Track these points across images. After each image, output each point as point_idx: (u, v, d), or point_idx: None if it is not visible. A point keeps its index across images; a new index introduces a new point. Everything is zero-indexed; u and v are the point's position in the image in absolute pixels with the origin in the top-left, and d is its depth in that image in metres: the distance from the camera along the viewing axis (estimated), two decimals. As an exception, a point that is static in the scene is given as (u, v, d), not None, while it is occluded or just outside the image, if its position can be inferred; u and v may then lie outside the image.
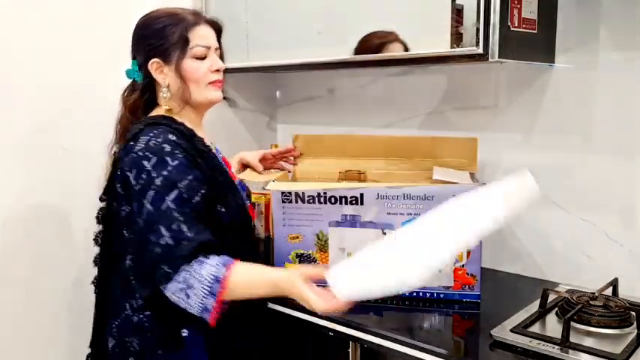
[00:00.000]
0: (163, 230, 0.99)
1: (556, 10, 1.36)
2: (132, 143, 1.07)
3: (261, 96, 2.00)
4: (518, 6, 1.22)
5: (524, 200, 0.97)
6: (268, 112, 2.03)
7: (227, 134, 1.78)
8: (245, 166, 1.51)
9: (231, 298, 0.99)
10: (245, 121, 1.95)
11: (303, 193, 1.33)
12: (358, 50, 1.42)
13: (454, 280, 1.30)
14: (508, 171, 1.48)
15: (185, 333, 1.10)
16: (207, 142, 1.18)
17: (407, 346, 1.12)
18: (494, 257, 1.52)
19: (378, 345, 1.16)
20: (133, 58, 1.17)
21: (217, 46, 1.19)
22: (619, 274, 1.28)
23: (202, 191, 1.06)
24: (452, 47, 1.24)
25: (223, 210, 1.11)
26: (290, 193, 1.33)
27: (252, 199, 1.44)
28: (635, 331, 1.11)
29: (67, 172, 1.47)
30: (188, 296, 0.97)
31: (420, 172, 1.46)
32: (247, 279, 1.02)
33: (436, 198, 1.27)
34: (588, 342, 1.06)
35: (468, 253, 1.28)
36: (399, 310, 1.28)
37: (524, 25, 1.25)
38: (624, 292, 1.26)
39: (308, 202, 1.33)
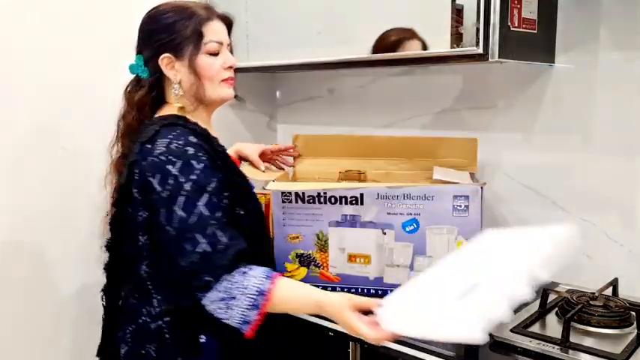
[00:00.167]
0: (199, 237, 0.95)
1: (556, 10, 1.36)
2: (149, 146, 1.02)
3: (261, 96, 2.00)
4: (518, 6, 1.22)
5: (566, 256, 0.95)
6: (268, 112, 2.03)
7: (227, 134, 1.76)
8: (241, 158, 1.48)
9: (273, 311, 0.96)
10: (245, 121, 1.95)
11: (303, 193, 1.33)
12: (375, 48, 1.38)
13: (454, 280, 1.30)
14: (508, 171, 1.50)
15: (203, 339, 1.07)
16: (221, 141, 1.13)
17: (407, 346, 1.12)
18: (494, 257, 1.52)
19: (378, 345, 1.15)
20: (138, 52, 1.12)
21: (229, 41, 1.15)
22: (619, 274, 1.28)
23: (226, 194, 1.03)
24: (452, 47, 1.24)
25: (242, 213, 1.08)
26: (290, 193, 1.33)
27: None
28: (635, 331, 1.11)
29: (67, 172, 1.47)
30: (229, 307, 0.94)
31: (420, 172, 1.46)
32: (291, 295, 0.99)
33: (436, 198, 1.27)
34: (588, 342, 1.06)
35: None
36: (399, 310, 1.28)
37: (524, 25, 1.25)
38: (624, 292, 1.26)
39: (308, 202, 1.33)
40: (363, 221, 1.31)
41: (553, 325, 1.15)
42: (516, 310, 1.19)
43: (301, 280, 1.32)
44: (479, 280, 0.90)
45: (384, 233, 1.31)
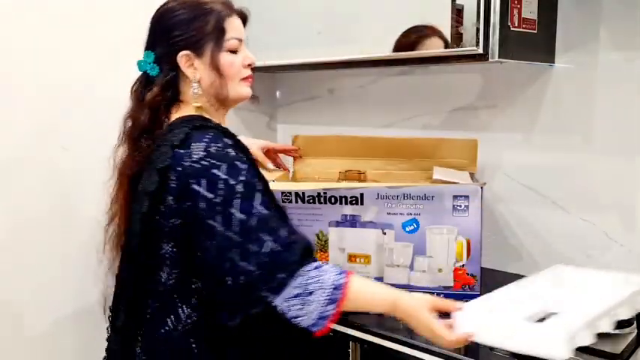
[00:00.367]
0: (264, 236, 0.92)
1: (556, 10, 1.36)
2: (182, 151, 0.97)
3: (261, 96, 2.00)
4: (518, 6, 1.22)
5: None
6: (268, 112, 2.03)
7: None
8: None
9: (346, 308, 0.94)
10: (245, 121, 1.95)
11: (303, 193, 1.33)
12: (397, 47, 1.36)
13: (454, 280, 1.30)
14: (508, 171, 1.50)
15: (229, 353, 1.03)
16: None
17: (407, 346, 1.12)
18: (495, 257, 1.52)
19: (378, 345, 1.15)
20: (148, 49, 1.08)
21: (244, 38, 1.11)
22: (619, 274, 1.28)
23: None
24: (452, 47, 1.24)
25: None
26: (290, 193, 1.33)
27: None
28: (635, 331, 1.10)
29: (67, 172, 1.47)
30: (305, 304, 0.91)
31: (420, 172, 1.46)
32: (365, 291, 0.97)
33: (436, 198, 1.28)
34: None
35: (468, 253, 1.29)
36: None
37: (524, 25, 1.25)
38: (624, 292, 1.26)
39: (308, 202, 1.33)
40: (363, 221, 1.31)
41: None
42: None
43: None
44: (561, 309, 0.94)
45: (384, 233, 1.31)
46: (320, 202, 1.33)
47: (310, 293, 0.91)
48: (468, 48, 1.21)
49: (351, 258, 1.34)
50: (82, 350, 1.52)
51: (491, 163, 1.50)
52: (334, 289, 0.92)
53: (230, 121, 1.88)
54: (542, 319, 0.94)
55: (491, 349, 1.06)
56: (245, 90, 1.12)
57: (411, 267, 1.31)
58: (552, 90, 1.41)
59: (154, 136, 1.06)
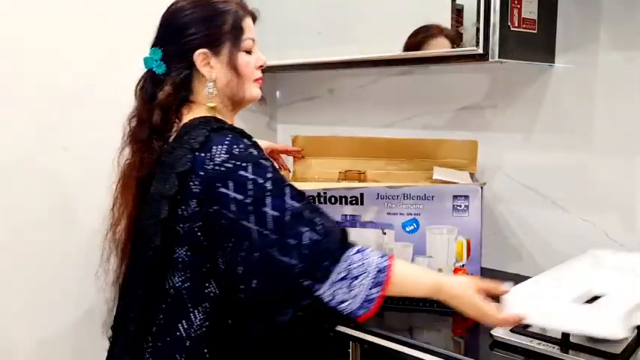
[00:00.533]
0: (301, 229, 0.92)
1: (556, 10, 1.36)
2: (203, 154, 0.95)
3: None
4: (518, 6, 1.22)
5: None
6: (268, 112, 2.03)
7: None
8: None
9: (391, 292, 0.94)
10: (245, 121, 1.93)
11: (303, 193, 1.33)
12: (406, 47, 1.36)
13: (454, 280, 1.30)
14: (508, 171, 1.50)
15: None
16: None
17: (407, 346, 1.12)
18: (494, 257, 1.52)
19: (378, 345, 1.15)
20: (156, 46, 1.06)
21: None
22: (619, 274, 1.28)
23: None
24: (452, 47, 1.24)
25: None
26: (290, 193, 1.33)
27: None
28: (635, 331, 1.10)
29: (67, 172, 1.47)
30: (351, 288, 0.92)
31: (420, 172, 1.46)
32: (408, 273, 0.98)
33: (436, 198, 1.27)
34: (588, 342, 1.06)
35: (468, 253, 1.29)
36: (399, 310, 1.28)
37: (524, 25, 1.25)
38: (624, 292, 1.26)
39: (308, 202, 1.33)
40: (363, 221, 1.31)
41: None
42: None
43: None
44: (606, 290, 0.98)
45: (384, 233, 1.31)
46: (320, 202, 1.33)
47: (355, 277, 0.92)
48: (468, 48, 1.21)
49: (351, 258, 1.34)
50: (83, 351, 1.52)
51: (491, 163, 1.50)
52: (378, 272, 0.93)
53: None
54: (590, 301, 0.97)
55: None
56: (257, 91, 1.12)
57: (411, 267, 1.31)
58: (552, 90, 1.41)
59: (165, 137, 1.04)
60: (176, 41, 1.04)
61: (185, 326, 0.98)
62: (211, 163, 0.94)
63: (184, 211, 0.97)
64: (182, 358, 0.99)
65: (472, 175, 1.40)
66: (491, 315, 0.93)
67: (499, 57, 1.19)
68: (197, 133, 0.98)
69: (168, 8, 1.07)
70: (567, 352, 1.01)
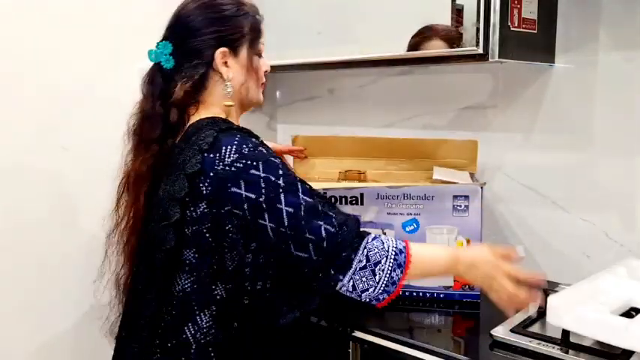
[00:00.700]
0: (317, 222, 0.93)
1: (556, 10, 1.36)
2: (212, 155, 0.95)
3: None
4: (518, 6, 1.22)
5: None
6: (268, 112, 2.03)
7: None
8: None
9: (412, 274, 0.96)
10: (245, 121, 1.93)
11: (303, 193, 1.32)
12: (409, 47, 1.36)
13: (454, 280, 1.30)
14: (508, 171, 1.50)
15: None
16: None
17: (407, 346, 1.12)
18: (495, 257, 1.52)
19: (378, 345, 1.15)
20: (167, 40, 1.04)
21: None
22: (619, 274, 1.28)
23: None
24: (452, 47, 1.24)
25: None
26: (290, 193, 1.33)
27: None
28: (636, 331, 1.11)
29: (67, 172, 1.47)
30: (375, 273, 0.93)
31: (420, 172, 1.46)
32: (425, 251, 1.00)
33: (436, 198, 1.27)
34: (588, 342, 1.06)
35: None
36: (399, 310, 1.28)
37: (524, 25, 1.25)
38: (624, 292, 1.26)
39: (308, 202, 1.33)
40: (363, 221, 1.31)
41: (553, 325, 1.15)
42: (517, 310, 1.19)
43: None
44: None
45: (384, 233, 1.31)
46: (320, 202, 1.32)
47: (378, 263, 0.93)
48: (468, 48, 1.21)
49: (351, 258, 1.34)
50: (83, 351, 1.53)
51: (491, 163, 1.50)
52: (397, 253, 0.95)
53: (230, 121, 1.89)
54: (627, 314, 1.00)
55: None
56: (261, 96, 1.13)
57: (411, 267, 1.31)
58: (552, 90, 1.41)
59: (175, 136, 1.04)
60: (193, 38, 1.03)
61: (192, 329, 0.98)
62: (221, 163, 0.94)
63: (193, 213, 0.96)
64: None
65: (472, 175, 1.40)
66: (511, 274, 0.95)
67: (499, 57, 1.19)
68: (205, 133, 0.97)
69: (186, 4, 1.06)
70: (567, 352, 1.01)
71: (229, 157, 0.94)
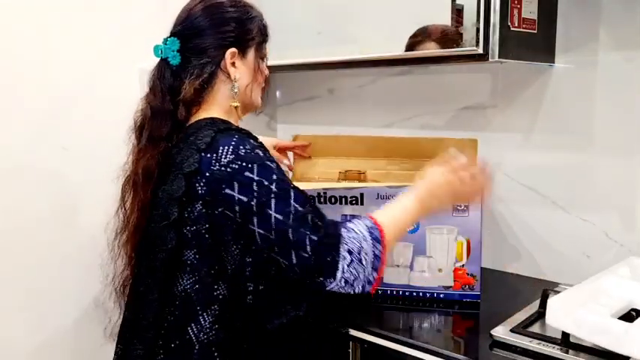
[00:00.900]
0: (304, 230, 0.92)
1: (556, 10, 1.36)
2: (209, 155, 0.95)
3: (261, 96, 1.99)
4: (518, 6, 1.22)
5: None
6: (268, 112, 2.03)
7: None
8: None
9: (389, 242, 0.97)
10: (245, 121, 1.93)
11: (303, 193, 1.32)
12: (407, 47, 1.36)
13: (454, 280, 1.30)
14: (508, 171, 1.50)
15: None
16: None
17: (407, 346, 1.12)
18: (494, 257, 1.52)
19: (378, 345, 1.15)
20: (175, 37, 1.04)
21: None
22: (619, 274, 1.28)
23: None
24: (452, 47, 1.24)
25: None
26: (290, 193, 1.33)
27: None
28: (635, 331, 1.10)
29: (67, 172, 1.47)
30: (362, 259, 0.92)
31: (420, 172, 1.46)
32: (389, 211, 1.01)
33: (436, 198, 1.27)
34: (588, 342, 1.06)
35: (468, 253, 1.29)
36: (399, 310, 1.28)
37: (524, 25, 1.25)
38: (624, 292, 1.26)
39: (308, 202, 1.33)
40: (363, 221, 1.31)
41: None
42: (516, 310, 1.19)
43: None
44: None
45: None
46: (320, 202, 1.33)
47: (360, 249, 0.93)
48: (467, 48, 1.21)
49: (351, 258, 1.34)
50: (82, 351, 1.52)
51: (491, 163, 1.50)
52: (370, 230, 0.95)
53: (230, 121, 1.89)
54: (628, 315, 1.00)
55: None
56: (260, 100, 1.14)
57: (411, 267, 1.31)
58: (552, 90, 1.41)
59: (179, 134, 1.03)
60: (203, 36, 1.03)
61: (195, 330, 0.98)
62: (217, 164, 0.94)
63: (191, 214, 0.96)
64: None
65: (472, 175, 1.40)
66: (467, 182, 1.01)
67: (499, 57, 1.19)
68: (204, 133, 0.98)
69: (196, 4, 1.06)
70: (567, 352, 1.01)
71: (226, 158, 0.94)
